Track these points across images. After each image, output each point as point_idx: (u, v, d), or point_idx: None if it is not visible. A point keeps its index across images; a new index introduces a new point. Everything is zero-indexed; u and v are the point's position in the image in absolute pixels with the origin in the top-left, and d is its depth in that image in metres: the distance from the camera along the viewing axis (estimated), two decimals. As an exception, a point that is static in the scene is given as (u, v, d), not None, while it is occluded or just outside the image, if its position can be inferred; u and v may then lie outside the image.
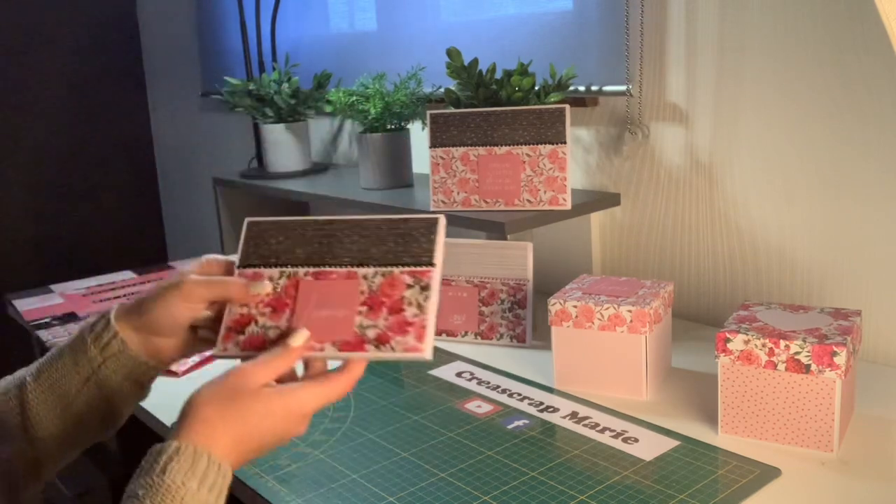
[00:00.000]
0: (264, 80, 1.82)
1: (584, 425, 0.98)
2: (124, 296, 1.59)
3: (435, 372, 1.17)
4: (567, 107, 1.25)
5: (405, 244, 0.70)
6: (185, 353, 0.76)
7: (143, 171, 3.00)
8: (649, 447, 0.91)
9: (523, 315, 1.25)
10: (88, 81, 2.85)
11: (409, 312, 0.67)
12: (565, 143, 1.25)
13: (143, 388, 0.77)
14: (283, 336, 0.68)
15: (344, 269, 0.70)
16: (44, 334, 1.38)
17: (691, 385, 1.08)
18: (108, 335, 0.72)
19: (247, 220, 0.75)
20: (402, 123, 1.59)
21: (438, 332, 1.29)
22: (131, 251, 2.95)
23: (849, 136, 1.11)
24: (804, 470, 0.85)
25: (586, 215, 1.41)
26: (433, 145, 1.32)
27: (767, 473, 0.84)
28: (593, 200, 1.37)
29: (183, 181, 2.88)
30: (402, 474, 0.89)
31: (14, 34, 2.70)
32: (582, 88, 1.40)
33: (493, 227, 1.25)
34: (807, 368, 0.86)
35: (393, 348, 0.66)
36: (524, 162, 1.27)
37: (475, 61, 1.31)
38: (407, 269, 0.69)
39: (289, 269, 0.72)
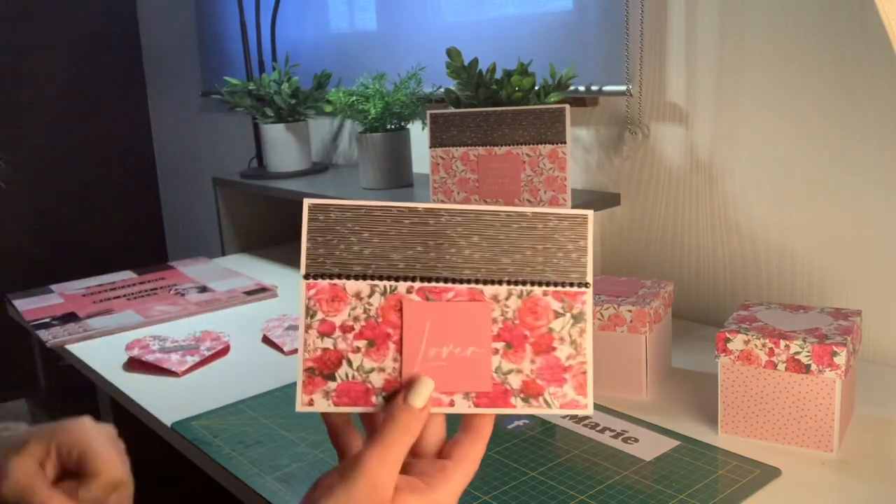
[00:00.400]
0: (264, 80, 1.82)
1: (584, 425, 0.98)
2: (124, 296, 1.59)
3: (435, 372, 1.17)
4: (567, 107, 1.25)
5: (546, 252, 0.52)
6: None
7: (142, 171, 3.01)
8: (649, 447, 0.91)
9: (523, 315, 1.25)
10: (88, 81, 2.85)
11: (563, 352, 0.51)
12: (565, 143, 1.25)
13: None
14: (393, 384, 0.52)
15: (465, 286, 0.52)
16: (44, 334, 1.38)
17: (691, 385, 1.08)
18: None
19: (308, 202, 0.53)
20: (402, 123, 1.59)
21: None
22: (131, 251, 2.95)
23: (849, 136, 1.11)
24: (804, 470, 0.85)
25: (586, 215, 1.41)
26: (433, 145, 1.32)
27: (767, 473, 0.84)
28: (593, 200, 1.37)
29: (183, 181, 2.88)
30: (402, 474, 0.89)
31: (14, 34, 2.70)
32: (582, 88, 1.40)
33: (493, 227, 1.24)
34: (807, 368, 0.86)
35: (548, 403, 0.51)
36: (524, 162, 1.27)
37: (475, 61, 1.31)
38: (552, 288, 0.52)
39: (383, 284, 0.53)
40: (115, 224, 2.95)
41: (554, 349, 0.52)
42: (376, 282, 0.52)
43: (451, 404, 0.52)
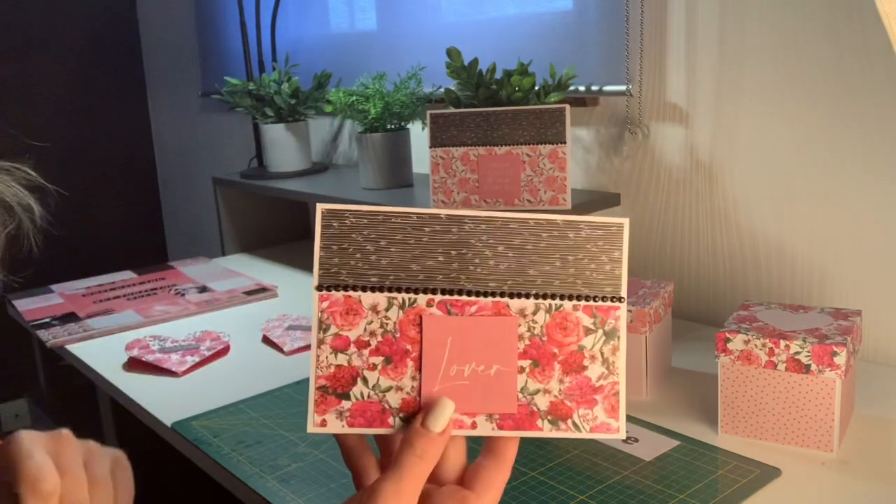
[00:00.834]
0: (264, 80, 1.82)
1: (584, 425, 0.98)
2: (124, 296, 1.59)
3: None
4: (567, 107, 1.25)
5: (578, 263, 0.49)
6: None
7: (143, 171, 3.01)
8: (649, 447, 0.91)
9: (523, 315, 1.25)
10: (88, 81, 2.85)
11: (594, 372, 0.48)
12: (565, 142, 1.25)
13: None
14: (411, 405, 0.48)
15: (489, 300, 0.49)
16: (44, 334, 1.38)
17: (691, 385, 1.08)
18: None
19: (321, 207, 0.49)
20: (402, 123, 1.59)
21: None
22: (131, 251, 2.95)
23: (849, 136, 1.11)
24: (804, 470, 0.85)
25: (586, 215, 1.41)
26: (433, 145, 1.32)
27: (767, 473, 0.84)
28: (593, 200, 1.37)
29: (183, 181, 2.88)
30: (402, 474, 0.89)
31: (14, 35, 2.70)
32: (582, 88, 1.40)
33: (493, 227, 1.24)
34: (807, 368, 0.86)
35: (577, 426, 0.48)
36: (524, 162, 1.27)
37: (475, 61, 1.31)
38: (583, 302, 0.48)
39: (402, 296, 0.49)
40: (115, 224, 2.95)
41: (584, 368, 0.48)
42: (394, 294, 0.49)
43: (474, 426, 0.48)
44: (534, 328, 0.48)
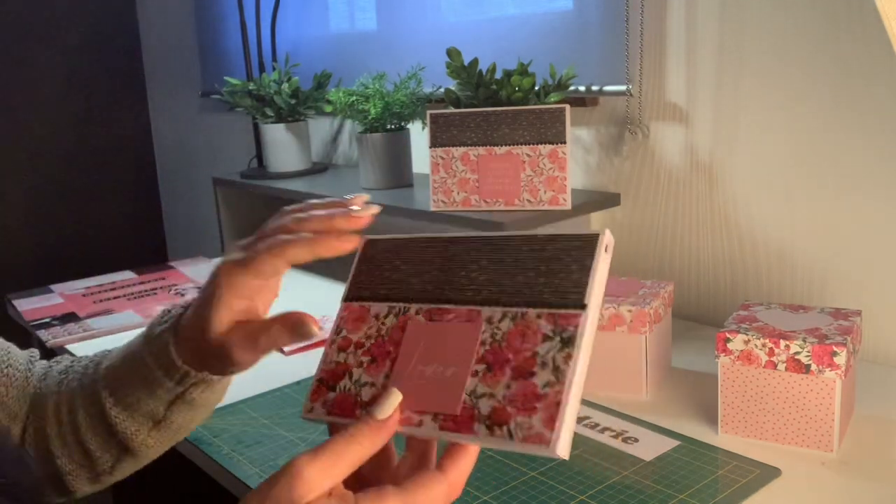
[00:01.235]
0: (264, 80, 1.82)
1: (584, 425, 0.98)
2: (124, 296, 1.59)
3: (435, 372, 1.17)
4: (567, 107, 1.25)
5: (549, 274, 0.49)
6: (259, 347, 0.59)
7: (143, 171, 3.01)
8: (649, 447, 0.91)
9: (523, 315, 1.25)
10: (88, 81, 2.85)
11: (542, 379, 0.45)
12: (565, 143, 1.25)
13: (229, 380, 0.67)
14: (375, 398, 0.50)
15: (465, 308, 0.51)
16: (44, 334, 1.38)
17: (691, 385, 1.08)
18: (177, 374, 0.63)
19: (365, 238, 0.59)
20: (402, 123, 1.59)
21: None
22: (131, 251, 2.95)
23: (849, 136, 1.11)
24: (804, 470, 0.85)
25: (586, 215, 1.41)
26: (433, 145, 1.32)
27: (767, 473, 0.84)
28: (593, 200, 1.37)
29: (183, 181, 2.88)
30: (402, 474, 0.89)
31: (14, 34, 2.70)
32: (582, 88, 1.40)
33: (493, 227, 1.24)
34: (807, 368, 0.86)
35: (511, 434, 0.45)
36: (524, 162, 1.27)
37: (475, 61, 1.31)
38: (546, 310, 0.48)
39: (399, 305, 0.54)
40: (115, 224, 2.95)
41: (533, 374, 0.46)
42: (394, 304, 0.54)
43: (420, 424, 0.49)
44: (496, 335, 0.48)
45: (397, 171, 1.57)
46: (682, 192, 1.33)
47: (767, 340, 0.87)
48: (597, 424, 0.98)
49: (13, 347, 0.75)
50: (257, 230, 0.60)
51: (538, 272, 0.49)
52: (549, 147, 1.26)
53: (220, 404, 0.69)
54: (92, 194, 2.90)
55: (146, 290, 1.63)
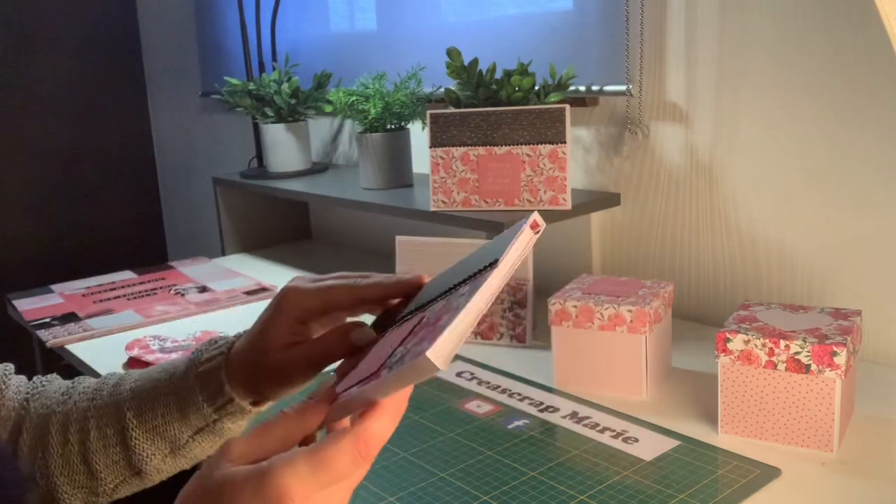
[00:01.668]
0: (264, 80, 1.82)
1: (584, 425, 0.98)
2: (124, 296, 1.59)
3: (435, 372, 1.17)
4: (567, 107, 1.25)
5: (485, 258, 0.52)
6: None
7: (143, 171, 3.01)
8: (649, 447, 0.91)
9: (523, 315, 1.25)
10: (88, 81, 2.85)
11: (444, 321, 0.46)
12: (565, 142, 1.25)
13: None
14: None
15: (418, 313, 0.54)
16: (44, 334, 1.38)
17: (691, 385, 1.08)
18: (222, 399, 0.65)
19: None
20: (402, 123, 1.59)
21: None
22: (131, 251, 2.95)
23: (849, 136, 1.11)
24: (804, 470, 0.85)
25: (586, 215, 1.41)
26: (433, 145, 1.32)
27: (767, 473, 0.84)
28: (593, 200, 1.37)
29: (183, 181, 2.88)
30: (402, 474, 0.89)
31: (14, 34, 2.70)
32: (582, 88, 1.40)
33: (493, 227, 1.25)
34: (807, 368, 0.86)
35: (403, 361, 0.46)
36: (524, 162, 1.27)
37: (475, 61, 1.31)
38: (470, 280, 0.51)
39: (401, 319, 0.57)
40: (115, 224, 2.95)
41: (439, 320, 0.47)
42: (402, 317, 0.58)
43: (346, 395, 0.50)
44: (430, 315, 0.51)
45: (397, 171, 1.57)
46: (682, 192, 1.33)
47: (767, 340, 0.87)
48: (597, 424, 0.98)
49: None
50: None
51: (483, 262, 0.51)
52: (549, 147, 1.26)
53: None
54: (92, 194, 2.90)
55: (146, 290, 1.63)
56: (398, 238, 1.33)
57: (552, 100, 1.31)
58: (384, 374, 0.47)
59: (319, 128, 2.08)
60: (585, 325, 1.05)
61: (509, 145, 1.28)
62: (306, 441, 0.51)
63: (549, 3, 1.43)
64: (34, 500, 0.70)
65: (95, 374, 1.24)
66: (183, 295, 1.58)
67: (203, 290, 1.61)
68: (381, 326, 0.61)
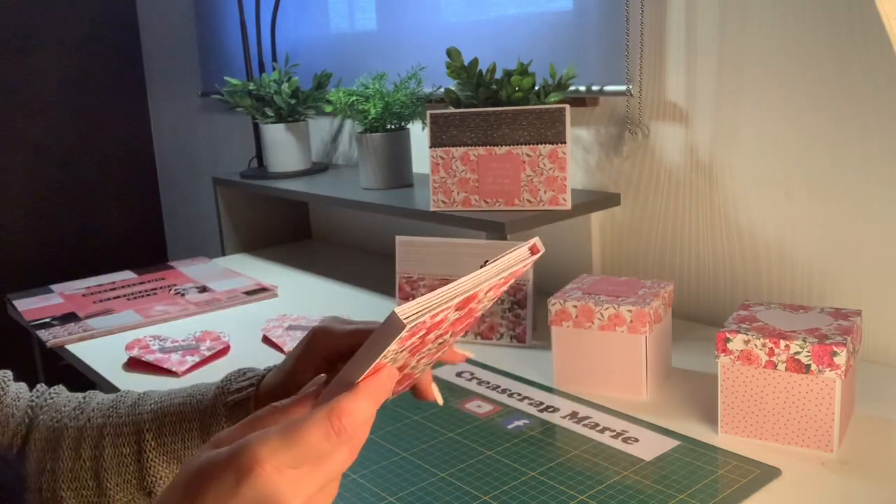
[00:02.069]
0: (264, 80, 1.82)
1: (584, 425, 0.98)
2: (124, 296, 1.59)
3: (435, 372, 1.17)
4: (567, 107, 1.25)
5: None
6: None
7: (143, 171, 3.01)
8: (649, 447, 0.91)
9: (523, 315, 1.25)
10: (88, 81, 2.85)
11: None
12: (565, 143, 1.25)
13: None
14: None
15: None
16: (44, 334, 1.38)
17: (691, 385, 1.08)
18: None
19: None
20: (402, 123, 1.59)
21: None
22: (131, 251, 2.95)
23: (849, 136, 1.11)
24: (804, 470, 0.85)
25: (586, 215, 1.41)
26: (433, 145, 1.32)
27: (767, 473, 0.84)
28: (593, 200, 1.37)
29: (183, 181, 2.88)
30: (402, 474, 0.89)
31: (14, 33, 2.70)
32: (582, 88, 1.40)
33: (493, 227, 1.25)
34: (807, 368, 0.86)
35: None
36: (524, 162, 1.27)
37: (475, 61, 1.31)
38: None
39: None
40: (115, 224, 2.95)
41: None
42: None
43: None
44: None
45: (397, 171, 1.57)
46: (682, 192, 1.33)
47: (767, 340, 0.87)
48: (597, 424, 0.98)
49: None
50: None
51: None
52: (549, 147, 1.26)
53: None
54: (92, 194, 2.90)
55: (146, 290, 1.63)
56: (398, 238, 1.33)
57: (552, 100, 1.31)
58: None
59: (319, 128, 2.08)
60: (585, 325, 1.05)
61: (509, 145, 1.28)
62: None
63: (549, 3, 1.43)
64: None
65: (95, 375, 1.24)
66: (183, 295, 1.58)
67: (203, 290, 1.61)
68: None
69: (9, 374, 0.76)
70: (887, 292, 1.12)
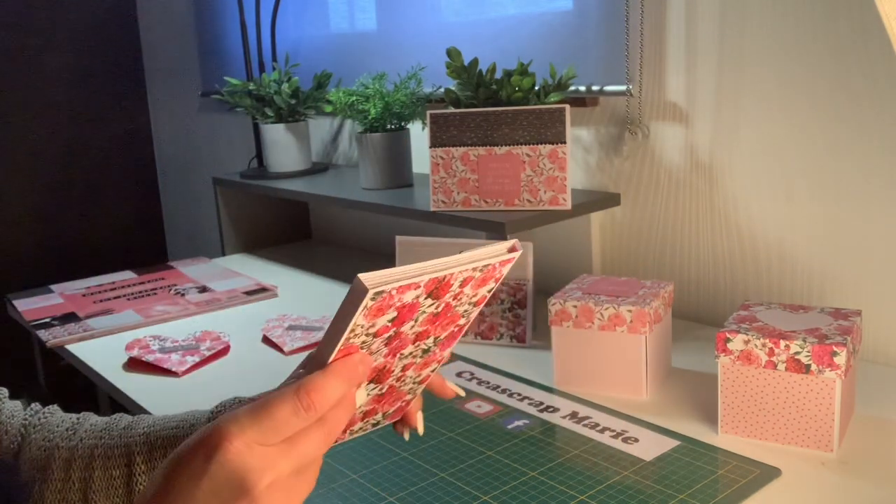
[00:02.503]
0: (264, 80, 1.82)
1: (584, 425, 0.98)
2: (124, 296, 1.59)
3: (435, 372, 1.17)
4: (567, 107, 1.25)
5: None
6: None
7: (143, 171, 3.01)
8: (649, 447, 0.91)
9: (523, 315, 1.25)
10: (88, 81, 2.85)
11: None
12: (565, 143, 1.25)
13: None
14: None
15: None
16: (44, 334, 1.38)
17: (691, 385, 1.08)
18: None
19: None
20: (402, 123, 1.59)
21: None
22: (131, 251, 2.95)
23: (849, 136, 1.11)
24: (804, 470, 0.85)
25: (586, 215, 1.41)
26: (433, 145, 1.32)
27: (767, 473, 0.84)
28: (593, 200, 1.37)
29: (183, 181, 2.88)
30: (402, 474, 0.89)
31: (14, 33, 2.70)
32: (582, 88, 1.40)
33: (493, 227, 1.25)
34: (807, 368, 0.86)
35: None
36: (524, 162, 1.27)
37: (475, 61, 1.31)
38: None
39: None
40: (115, 224, 2.95)
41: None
42: None
43: None
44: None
45: (397, 171, 1.57)
46: (682, 192, 1.33)
47: (767, 340, 0.87)
48: (597, 424, 0.98)
49: None
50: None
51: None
52: (549, 147, 1.26)
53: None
54: (92, 194, 2.90)
55: (146, 290, 1.63)
56: (398, 238, 1.33)
57: (552, 100, 1.31)
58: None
59: (319, 128, 2.08)
60: (585, 325, 1.05)
61: (509, 145, 1.28)
62: None
63: (549, 3, 1.43)
64: None
65: (95, 375, 1.24)
66: (183, 295, 1.58)
67: (203, 290, 1.61)
68: None
69: (4, 391, 0.76)
70: (887, 292, 1.12)
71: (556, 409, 1.03)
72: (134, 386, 1.18)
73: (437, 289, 0.49)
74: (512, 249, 0.52)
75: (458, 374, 1.15)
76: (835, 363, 0.84)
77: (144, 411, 1.10)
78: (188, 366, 1.22)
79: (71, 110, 2.83)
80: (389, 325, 0.49)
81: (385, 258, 1.79)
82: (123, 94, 2.93)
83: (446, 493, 0.85)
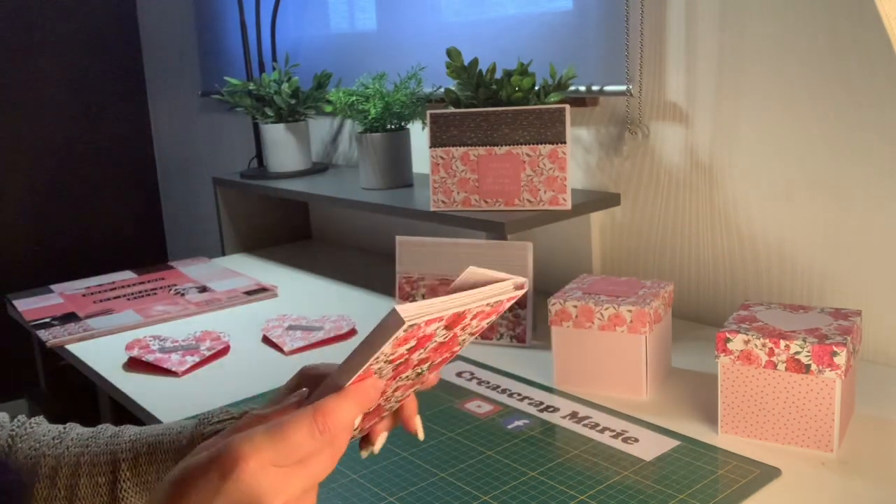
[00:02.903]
0: (264, 80, 1.82)
1: (584, 425, 0.98)
2: (124, 296, 1.59)
3: (435, 372, 1.17)
4: (567, 107, 1.25)
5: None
6: None
7: (142, 171, 3.01)
8: (649, 447, 0.91)
9: (523, 315, 1.25)
10: (88, 81, 2.85)
11: None
12: (565, 143, 1.25)
13: None
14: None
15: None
16: (44, 334, 1.38)
17: (691, 385, 1.08)
18: None
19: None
20: (402, 123, 1.59)
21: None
22: (131, 251, 2.95)
23: (849, 136, 1.11)
24: (804, 470, 0.85)
25: (586, 215, 1.41)
26: (433, 145, 1.32)
27: (767, 473, 0.84)
28: (593, 200, 1.37)
29: (183, 181, 2.88)
30: (402, 474, 0.89)
31: (14, 33, 2.70)
32: (582, 88, 1.40)
33: (493, 227, 1.25)
34: (807, 368, 0.86)
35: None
36: (524, 162, 1.27)
37: (475, 61, 1.31)
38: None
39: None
40: (115, 224, 2.95)
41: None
42: None
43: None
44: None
45: (397, 171, 1.57)
46: (682, 192, 1.33)
47: (767, 340, 0.87)
48: (597, 424, 0.98)
49: None
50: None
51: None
52: (549, 147, 1.26)
53: (223, 403, 0.69)
54: (92, 194, 2.90)
55: (146, 290, 1.63)
56: (398, 238, 1.33)
57: (552, 100, 1.31)
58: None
59: (319, 128, 2.08)
60: (585, 325, 1.05)
61: (509, 145, 1.28)
62: None
63: (549, 3, 1.43)
64: None
65: (95, 375, 1.25)
66: (183, 295, 1.58)
67: (203, 290, 1.61)
68: None
69: None
70: (887, 292, 1.12)
71: (556, 409, 1.03)
72: (134, 386, 1.18)
73: (454, 321, 0.50)
74: (519, 287, 0.54)
75: (458, 374, 1.15)
76: (835, 363, 0.84)
77: (144, 411, 1.10)
78: (188, 366, 1.22)
79: (71, 110, 2.83)
80: (406, 352, 0.50)
81: (385, 258, 1.80)
82: (123, 94, 2.93)
83: (446, 493, 0.85)
